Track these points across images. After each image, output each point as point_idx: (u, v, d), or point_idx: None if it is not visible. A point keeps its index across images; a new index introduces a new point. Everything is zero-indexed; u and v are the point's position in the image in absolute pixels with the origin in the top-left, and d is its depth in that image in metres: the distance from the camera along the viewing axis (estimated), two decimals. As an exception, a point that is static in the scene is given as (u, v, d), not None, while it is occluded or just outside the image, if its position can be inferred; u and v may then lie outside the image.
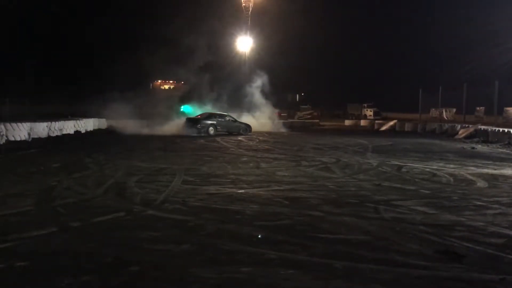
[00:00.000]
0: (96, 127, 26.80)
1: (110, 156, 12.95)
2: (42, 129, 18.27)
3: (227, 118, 25.10)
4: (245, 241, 4.91)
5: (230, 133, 24.27)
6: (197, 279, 3.88)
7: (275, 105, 34.49)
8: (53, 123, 19.52)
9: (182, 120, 26.31)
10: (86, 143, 17.69)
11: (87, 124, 24.85)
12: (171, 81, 46.45)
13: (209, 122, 24.00)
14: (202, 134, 23.16)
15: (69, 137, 20.05)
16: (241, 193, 7.68)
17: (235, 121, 25.60)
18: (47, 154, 13.14)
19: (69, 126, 21.52)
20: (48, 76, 42.89)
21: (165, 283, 3.81)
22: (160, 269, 4.08)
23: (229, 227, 5.48)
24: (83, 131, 23.17)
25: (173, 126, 25.68)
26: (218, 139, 20.45)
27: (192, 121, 24.24)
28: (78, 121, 23.18)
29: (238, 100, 31.11)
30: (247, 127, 25.56)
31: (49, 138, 18.26)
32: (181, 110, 32.36)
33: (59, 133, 19.88)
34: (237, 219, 5.88)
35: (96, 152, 13.63)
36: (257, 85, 32.90)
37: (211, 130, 23.63)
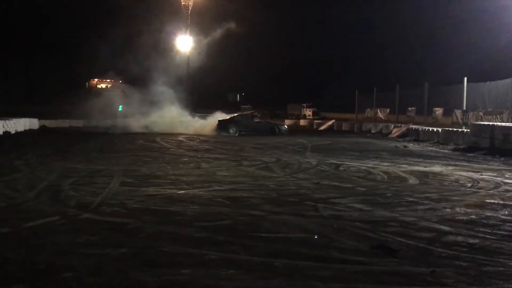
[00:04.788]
0: (27, 128, 25.52)
1: (43, 157, 12.36)
2: (-34, 129, 17.15)
3: (254, 119, 26.11)
4: (186, 242, 4.85)
5: (257, 134, 24.49)
6: (136, 283, 3.78)
7: (214, 105, 34.28)
8: (-21, 123, 18.38)
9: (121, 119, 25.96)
10: (17, 144, 16.78)
11: (17, 125, 23.60)
12: (108, 80, 45.04)
13: (230, 122, 25.20)
14: (224, 134, 23.96)
15: (-3, 138, 18.95)
16: (182, 193, 7.59)
17: (260, 121, 26.40)
18: (-28, 156, 12.33)
19: (-3, 127, 20.35)
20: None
21: (102, 288, 3.68)
22: (96, 275, 3.93)
23: (169, 229, 5.38)
24: (13, 132, 21.99)
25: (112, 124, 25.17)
26: (158, 139, 20.08)
27: (220, 122, 25.50)
28: (7, 121, 21.97)
29: (174, 99, 30.42)
30: (276, 127, 25.61)
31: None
32: (119, 109, 31.61)
33: (-14, 134, 18.75)
34: (177, 220, 5.79)
35: (28, 154, 12.96)
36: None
37: (231, 130, 24.49)
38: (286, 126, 26.87)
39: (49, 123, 29.04)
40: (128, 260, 4.30)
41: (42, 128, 27.40)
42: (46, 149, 14.88)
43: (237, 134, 24.24)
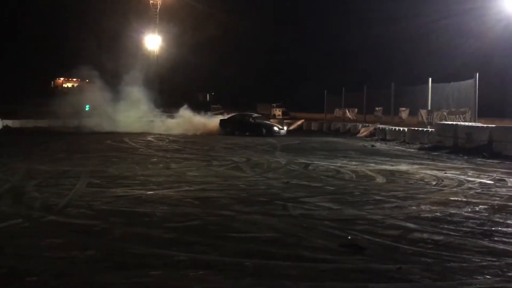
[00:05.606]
0: (-12, 128, 24.71)
1: (6, 158, 11.98)
2: None
3: (249, 119, 25.79)
4: (155, 243, 4.79)
5: (251, 134, 24.08)
6: (103, 286, 3.71)
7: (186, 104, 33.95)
8: None
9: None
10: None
11: (-22, 125, 22.82)
12: (74, 79, 44.04)
13: (228, 122, 25.83)
14: (222, 133, 24.65)
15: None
16: (151, 194, 7.50)
17: (255, 122, 25.66)
18: None
19: (-44, 127, 19.62)
20: None
21: (68, 292, 3.60)
22: (61, 278, 3.84)
23: (138, 230, 5.32)
24: (-27, 132, 21.25)
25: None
26: (127, 139, 19.78)
27: (220, 122, 26.18)
28: (-33, 121, 21.22)
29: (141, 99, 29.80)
30: (269, 127, 24.87)
31: None
32: (86, 109, 31.06)
33: None
34: (146, 222, 5.73)
35: (-11, 155, 12.55)
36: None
37: (228, 129, 24.94)
38: (279, 128, 25.18)
39: (13, 123, 28.17)
40: (96, 263, 4.22)
41: (5, 128, 26.57)
42: (10, 150, 14.45)
43: (223, 133, 24.50)
